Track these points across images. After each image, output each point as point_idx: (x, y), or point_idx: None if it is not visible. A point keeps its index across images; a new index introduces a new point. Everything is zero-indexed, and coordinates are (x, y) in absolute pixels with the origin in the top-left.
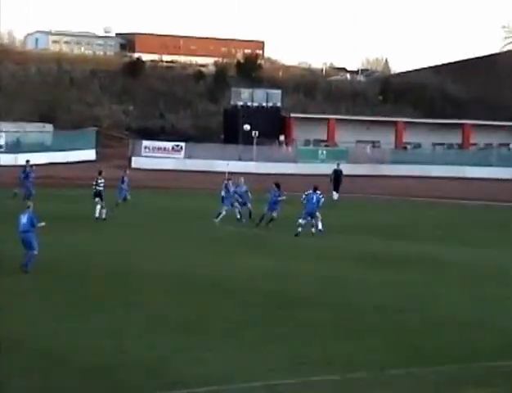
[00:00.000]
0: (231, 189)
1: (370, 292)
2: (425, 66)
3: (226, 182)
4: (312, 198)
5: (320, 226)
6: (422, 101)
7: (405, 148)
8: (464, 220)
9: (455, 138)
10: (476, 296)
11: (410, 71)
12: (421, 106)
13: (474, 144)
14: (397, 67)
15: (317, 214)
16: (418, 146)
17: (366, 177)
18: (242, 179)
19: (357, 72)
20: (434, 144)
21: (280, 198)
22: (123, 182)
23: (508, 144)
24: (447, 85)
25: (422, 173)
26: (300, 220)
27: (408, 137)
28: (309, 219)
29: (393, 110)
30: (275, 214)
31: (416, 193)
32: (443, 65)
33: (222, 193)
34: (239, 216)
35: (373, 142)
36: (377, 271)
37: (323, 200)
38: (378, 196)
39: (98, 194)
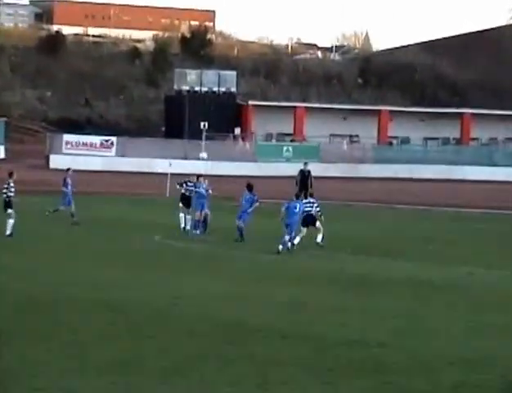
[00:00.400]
0: (202, 189)
1: (345, 322)
2: (415, 42)
3: (193, 181)
4: (294, 207)
5: (296, 240)
6: (411, 86)
7: (390, 144)
8: (462, 233)
9: (452, 132)
10: (474, 327)
11: (396, 48)
12: (410, 92)
13: (475, 139)
14: (380, 43)
15: (317, 224)
16: (406, 141)
17: (342, 179)
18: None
19: (330, 49)
20: (426, 139)
21: (251, 208)
22: (66, 184)
23: None
24: (442, 66)
25: (411, 175)
26: (286, 237)
27: (394, 129)
28: (289, 232)
29: (376, 97)
30: (242, 224)
31: (404, 199)
32: (437, 40)
33: (192, 194)
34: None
35: (350, 137)
36: (354, 296)
37: (318, 208)
38: (356, 202)
39: (9, 203)
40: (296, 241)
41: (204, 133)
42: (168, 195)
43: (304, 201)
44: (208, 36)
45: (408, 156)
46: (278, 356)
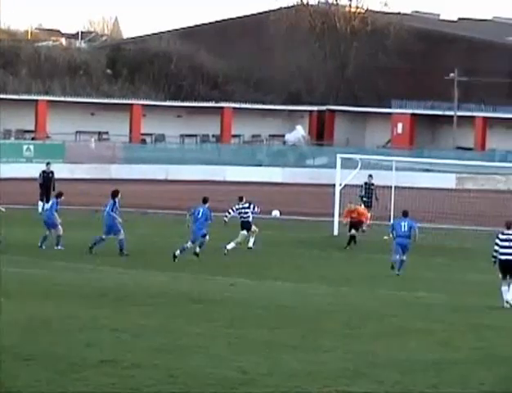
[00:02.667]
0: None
1: (93, 341)
2: (170, 29)
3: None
4: (198, 213)
5: (251, 243)
6: (166, 78)
7: (143, 141)
8: (224, 240)
9: (212, 128)
10: (236, 343)
11: (148, 36)
12: (165, 85)
13: (237, 136)
14: (131, 30)
15: (253, 228)
16: (161, 138)
17: (91, 181)
18: None
19: (76, 36)
20: (183, 136)
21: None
22: None
23: (282, 135)
24: (200, 55)
25: (167, 176)
26: (188, 244)
27: (148, 126)
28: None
29: (127, 90)
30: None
31: (159, 203)
32: (194, 27)
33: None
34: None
35: (99, 134)
36: (105, 312)
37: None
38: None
39: None
40: (230, 246)
41: None
42: None
43: (238, 206)
44: None
45: (163, 156)
46: (15, 382)
